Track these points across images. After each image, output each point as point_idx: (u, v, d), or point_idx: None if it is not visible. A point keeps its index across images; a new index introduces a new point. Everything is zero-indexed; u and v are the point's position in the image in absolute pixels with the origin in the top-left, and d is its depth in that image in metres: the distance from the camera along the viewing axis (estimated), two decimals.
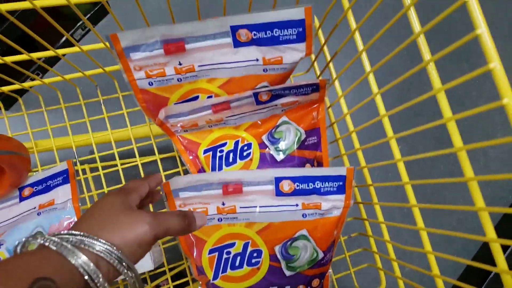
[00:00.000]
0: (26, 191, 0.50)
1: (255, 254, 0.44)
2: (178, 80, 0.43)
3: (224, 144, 0.48)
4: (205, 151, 0.47)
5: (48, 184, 0.50)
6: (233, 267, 0.44)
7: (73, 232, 0.25)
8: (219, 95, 0.45)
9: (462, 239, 1.03)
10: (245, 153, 0.47)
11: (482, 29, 0.24)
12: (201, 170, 0.48)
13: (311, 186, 0.41)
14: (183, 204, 0.43)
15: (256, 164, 0.47)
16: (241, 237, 0.44)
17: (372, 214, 0.50)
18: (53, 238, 0.24)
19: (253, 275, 0.44)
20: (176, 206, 0.43)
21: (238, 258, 0.44)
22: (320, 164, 0.48)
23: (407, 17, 0.30)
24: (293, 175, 0.41)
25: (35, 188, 0.50)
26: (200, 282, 0.45)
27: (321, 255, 0.44)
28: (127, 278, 0.26)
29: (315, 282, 0.46)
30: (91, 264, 0.23)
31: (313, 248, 0.44)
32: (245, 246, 0.44)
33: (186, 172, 0.51)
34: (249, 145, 0.47)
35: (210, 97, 0.45)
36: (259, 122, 0.48)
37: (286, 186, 0.42)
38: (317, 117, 0.47)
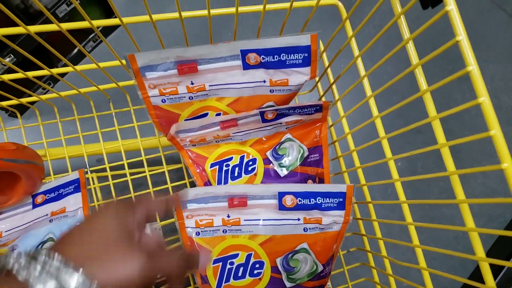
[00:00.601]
0: (39, 199, 0.52)
1: (257, 265, 0.46)
2: (189, 98, 0.45)
3: (230, 159, 0.50)
4: (212, 165, 0.50)
5: (60, 192, 0.53)
6: (236, 277, 0.46)
7: (52, 254, 0.21)
8: (227, 113, 0.47)
9: (457, 259, 1.04)
10: (250, 168, 0.50)
11: (473, 67, 0.26)
12: (207, 183, 0.50)
13: (312, 201, 0.44)
14: (191, 215, 0.45)
15: (260, 178, 0.49)
16: (245, 248, 0.46)
17: (371, 229, 0.52)
18: (24, 258, 0.21)
19: (255, 286, 0.46)
20: (184, 217, 0.45)
21: (241, 268, 0.46)
22: (321, 181, 0.50)
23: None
24: (295, 191, 0.44)
25: (48, 196, 0.53)
26: None
27: (320, 268, 0.46)
28: None
29: None
30: None
31: (313, 261, 0.45)
32: (248, 258, 0.46)
33: (192, 184, 0.53)
34: (254, 161, 0.50)
35: (218, 114, 0.47)
36: (264, 138, 0.50)
37: (288, 200, 0.44)
38: (320, 136, 0.50)
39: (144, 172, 0.57)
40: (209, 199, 0.44)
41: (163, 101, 0.45)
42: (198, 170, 0.50)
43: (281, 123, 0.48)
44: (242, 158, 0.50)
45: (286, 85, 0.44)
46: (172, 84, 0.44)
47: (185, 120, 0.47)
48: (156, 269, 0.25)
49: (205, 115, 0.47)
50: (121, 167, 0.59)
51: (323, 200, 0.44)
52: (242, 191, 0.44)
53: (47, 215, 0.51)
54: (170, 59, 0.42)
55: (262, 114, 0.46)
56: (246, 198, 0.44)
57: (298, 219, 0.45)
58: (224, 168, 0.50)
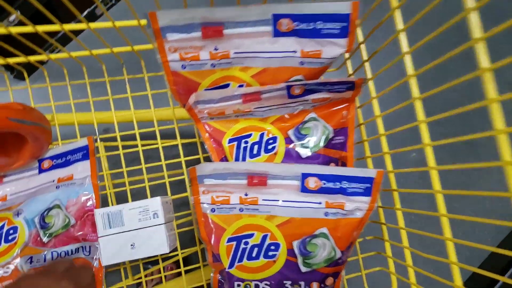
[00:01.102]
0: (46, 164, 0.50)
1: (272, 247, 0.44)
2: (211, 65, 0.42)
3: (249, 136, 0.47)
4: (230, 141, 0.47)
5: (67, 158, 0.50)
6: (249, 258, 0.44)
7: None
8: (250, 85, 0.44)
9: (467, 251, 1.03)
10: (270, 147, 0.47)
11: None
12: (224, 159, 0.47)
13: (337, 185, 0.41)
14: (207, 190, 0.42)
15: (280, 158, 0.46)
16: (261, 229, 0.43)
17: (389, 218, 0.49)
18: None
19: (268, 267, 0.44)
20: (200, 192, 0.42)
21: (256, 249, 0.44)
22: (344, 165, 0.48)
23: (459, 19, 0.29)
24: (321, 173, 0.41)
25: (55, 162, 0.50)
26: (214, 269, 0.45)
27: (339, 254, 0.44)
28: None
29: (329, 281, 0.45)
30: None
31: (331, 247, 0.43)
32: (264, 238, 0.43)
33: (206, 159, 0.50)
34: (274, 139, 0.47)
35: (241, 86, 0.44)
36: (286, 116, 0.47)
37: (312, 183, 0.41)
38: (347, 117, 0.46)
39: (156, 144, 0.54)
40: (228, 175, 0.42)
41: (183, 67, 0.42)
42: (214, 145, 0.48)
43: (307, 100, 0.45)
44: (262, 135, 0.47)
45: (318, 57, 0.41)
46: (194, 48, 0.40)
47: (205, 89, 0.44)
48: None
49: (227, 85, 0.44)
50: (131, 137, 0.56)
51: (349, 185, 0.41)
52: (263, 170, 0.41)
53: (53, 181, 0.49)
54: (194, 20, 0.38)
55: (289, 88, 0.42)
56: (267, 177, 0.42)
57: (320, 203, 0.42)
58: (243, 144, 0.47)
